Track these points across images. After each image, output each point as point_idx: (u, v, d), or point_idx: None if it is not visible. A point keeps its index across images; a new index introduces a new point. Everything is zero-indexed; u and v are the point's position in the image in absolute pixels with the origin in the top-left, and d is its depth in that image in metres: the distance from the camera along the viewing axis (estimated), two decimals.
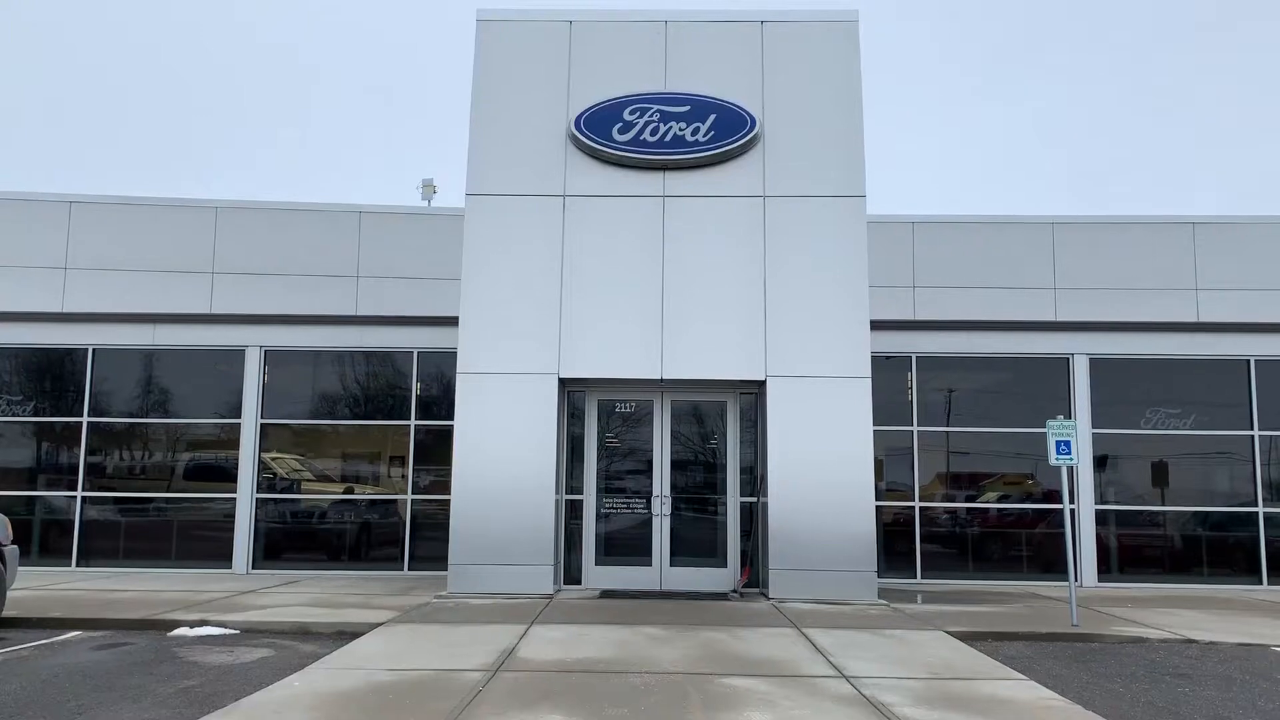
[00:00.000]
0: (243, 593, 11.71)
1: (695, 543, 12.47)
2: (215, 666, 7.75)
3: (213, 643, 8.82)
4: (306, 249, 14.91)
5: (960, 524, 14.47)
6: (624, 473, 12.58)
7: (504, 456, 11.61)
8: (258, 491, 14.33)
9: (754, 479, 12.29)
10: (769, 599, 11.34)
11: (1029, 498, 14.44)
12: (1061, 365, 14.33)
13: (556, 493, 11.82)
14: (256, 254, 14.97)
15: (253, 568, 14.13)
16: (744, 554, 12.24)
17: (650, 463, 12.44)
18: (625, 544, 12.43)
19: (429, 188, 17.83)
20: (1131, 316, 14.43)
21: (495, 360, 11.78)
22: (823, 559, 11.41)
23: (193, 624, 9.45)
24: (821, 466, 11.51)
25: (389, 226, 15.29)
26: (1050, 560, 13.97)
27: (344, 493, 14.74)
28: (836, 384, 11.62)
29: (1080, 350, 14.33)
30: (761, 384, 11.88)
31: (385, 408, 14.77)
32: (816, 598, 11.21)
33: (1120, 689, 7.30)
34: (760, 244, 11.94)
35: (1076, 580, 10.92)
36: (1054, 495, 13.97)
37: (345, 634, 9.05)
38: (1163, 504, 14.30)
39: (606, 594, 11.74)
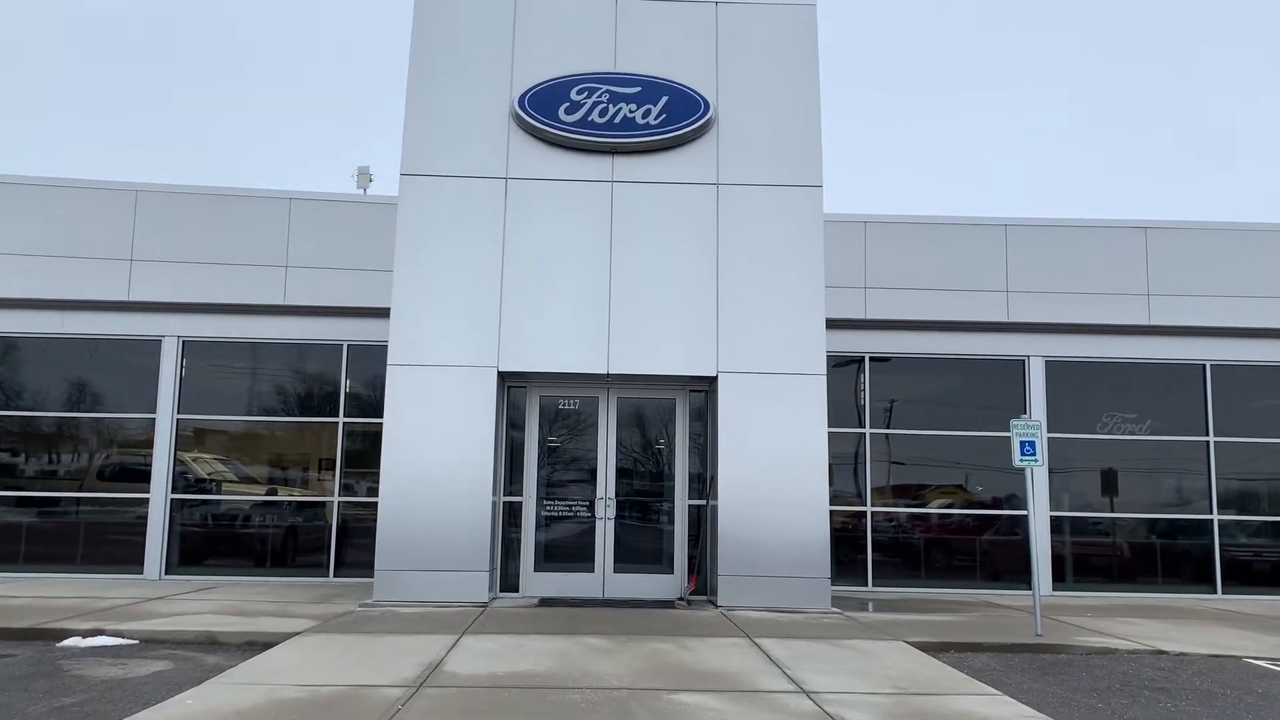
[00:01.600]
0: (150, 599, 10.78)
1: (640, 548, 11.79)
2: (102, 681, 6.90)
3: (105, 654, 7.94)
4: (233, 236, 13.95)
5: (911, 531, 13.99)
6: (567, 473, 11.87)
7: (438, 454, 10.82)
8: (173, 492, 13.32)
9: (703, 482, 11.67)
10: (718, 607, 10.71)
11: (980, 504, 14.02)
12: (1017, 367, 13.94)
13: (494, 494, 11.06)
14: (179, 240, 13.98)
15: (166, 573, 13.12)
16: (692, 560, 11.60)
17: (594, 463, 11.75)
18: (567, 549, 11.72)
19: (364, 175, 16.97)
20: (1085, 319, 14.10)
21: (429, 352, 11.00)
22: (774, 565, 10.81)
23: (86, 634, 8.54)
24: (774, 467, 10.91)
25: (321, 214, 14.40)
26: (1001, 568, 13.58)
27: (267, 494, 13.80)
28: (791, 381, 11.04)
29: (1036, 352, 13.94)
30: (713, 380, 11.27)
31: (313, 404, 13.86)
32: (767, 605, 10.60)
33: (1099, 704, 6.77)
34: (713, 233, 11.34)
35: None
36: (1001, 502, 13.64)
37: (256, 644, 8.23)
38: (1117, 511, 13.96)
39: (546, 602, 11.02)
